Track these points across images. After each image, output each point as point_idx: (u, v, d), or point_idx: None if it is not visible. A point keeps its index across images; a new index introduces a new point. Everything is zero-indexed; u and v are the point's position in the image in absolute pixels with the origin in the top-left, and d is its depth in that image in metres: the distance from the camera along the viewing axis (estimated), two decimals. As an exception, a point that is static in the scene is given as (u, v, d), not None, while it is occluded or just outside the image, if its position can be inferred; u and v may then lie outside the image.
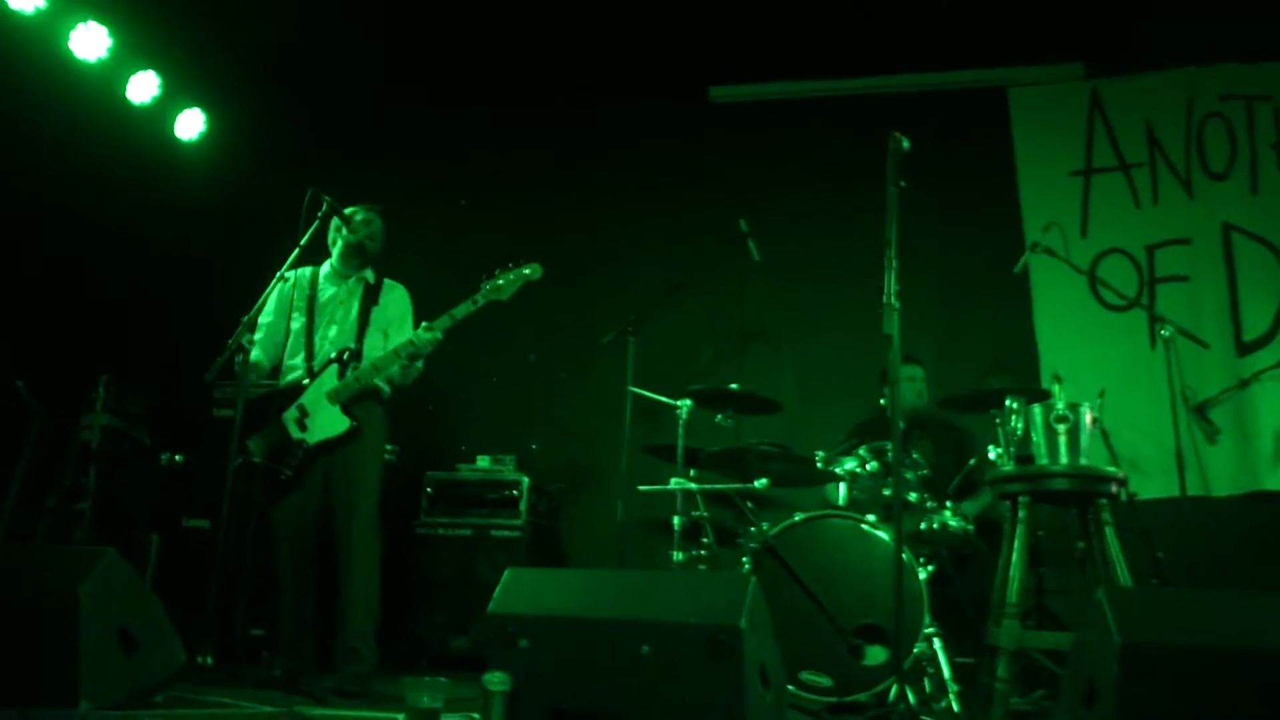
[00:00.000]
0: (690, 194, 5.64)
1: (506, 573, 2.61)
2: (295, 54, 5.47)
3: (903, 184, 2.92)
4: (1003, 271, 4.68)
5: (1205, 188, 5.25)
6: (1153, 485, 4.61)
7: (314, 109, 5.87)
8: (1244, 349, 5.04)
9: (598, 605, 2.44)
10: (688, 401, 4.18)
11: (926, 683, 3.49)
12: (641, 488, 4.21)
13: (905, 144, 2.98)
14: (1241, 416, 4.93)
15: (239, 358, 3.55)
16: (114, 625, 2.73)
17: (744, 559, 3.73)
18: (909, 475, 3.93)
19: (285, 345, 3.85)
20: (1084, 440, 3.20)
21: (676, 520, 4.07)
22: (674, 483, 4.10)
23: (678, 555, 4.00)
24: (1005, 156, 5.43)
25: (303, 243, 3.68)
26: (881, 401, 4.67)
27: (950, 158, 5.25)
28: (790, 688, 3.31)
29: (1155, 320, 4.54)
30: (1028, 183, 5.37)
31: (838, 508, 4.01)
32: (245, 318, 3.57)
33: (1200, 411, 4.89)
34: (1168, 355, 4.46)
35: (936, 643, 3.48)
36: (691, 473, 4.23)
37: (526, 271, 3.76)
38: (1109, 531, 3.16)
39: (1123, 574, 3.12)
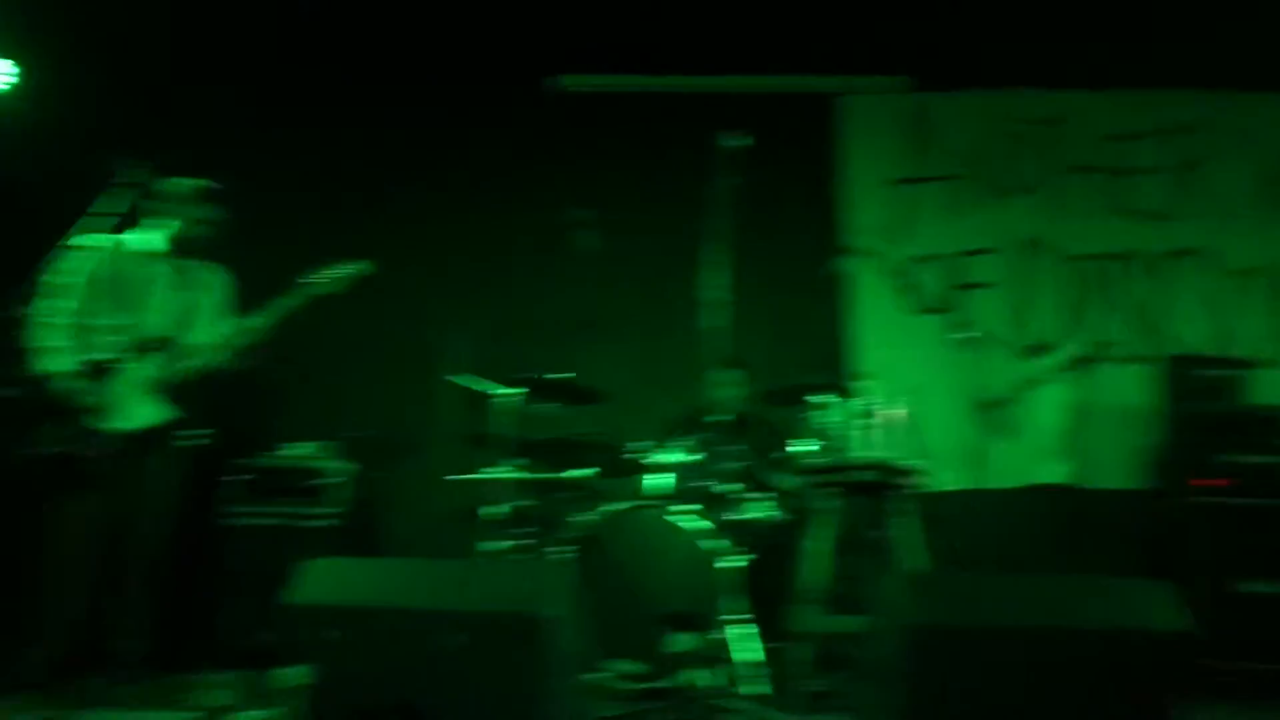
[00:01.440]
0: (527, 182, 5.62)
1: (308, 563, 2.55)
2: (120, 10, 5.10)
3: (733, 181, 3.00)
4: (824, 272, 4.90)
5: (1012, 201, 5.66)
6: (947, 478, 4.94)
7: (137, 69, 5.47)
8: (1033, 352, 5.47)
9: (402, 595, 2.42)
10: (517, 390, 4.18)
11: (734, 667, 3.63)
12: (464, 476, 4.18)
13: (739, 142, 3.05)
14: (1027, 414, 5.35)
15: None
16: None
17: (564, 548, 3.76)
18: (729, 467, 4.07)
19: (86, 327, 3.56)
20: (888, 435, 3.40)
21: (495, 509, 4.08)
22: (497, 471, 4.10)
23: (496, 545, 4.00)
24: (832, 159, 5.66)
25: (109, 212, 3.45)
26: (709, 394, 4.80)
27: (779, 160, 5.43)
28: (607, 675, 3.38)
29: (961, 323, 4.82)
30: (850, 188, 5.62)
31: (659, 498, 4.10)
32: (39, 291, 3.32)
33: (993, 410, 5.27)
34: (968, 357, 4.80)
35: (743, 628, 3.62)
36: (520, 462, 4.24)
37: (355, 268, 3.68)
38: (905, 521, 3.38)
39: (917, 560, 3.34)
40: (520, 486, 4.23)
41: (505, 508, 4.12)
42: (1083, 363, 5.20)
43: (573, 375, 4.26)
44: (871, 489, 3.50)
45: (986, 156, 5.70)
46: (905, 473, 3.41)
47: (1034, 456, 5.33)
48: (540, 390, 4.26)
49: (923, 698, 2.34)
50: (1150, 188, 5.66)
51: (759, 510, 4.03)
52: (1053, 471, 5.32)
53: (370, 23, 5.45)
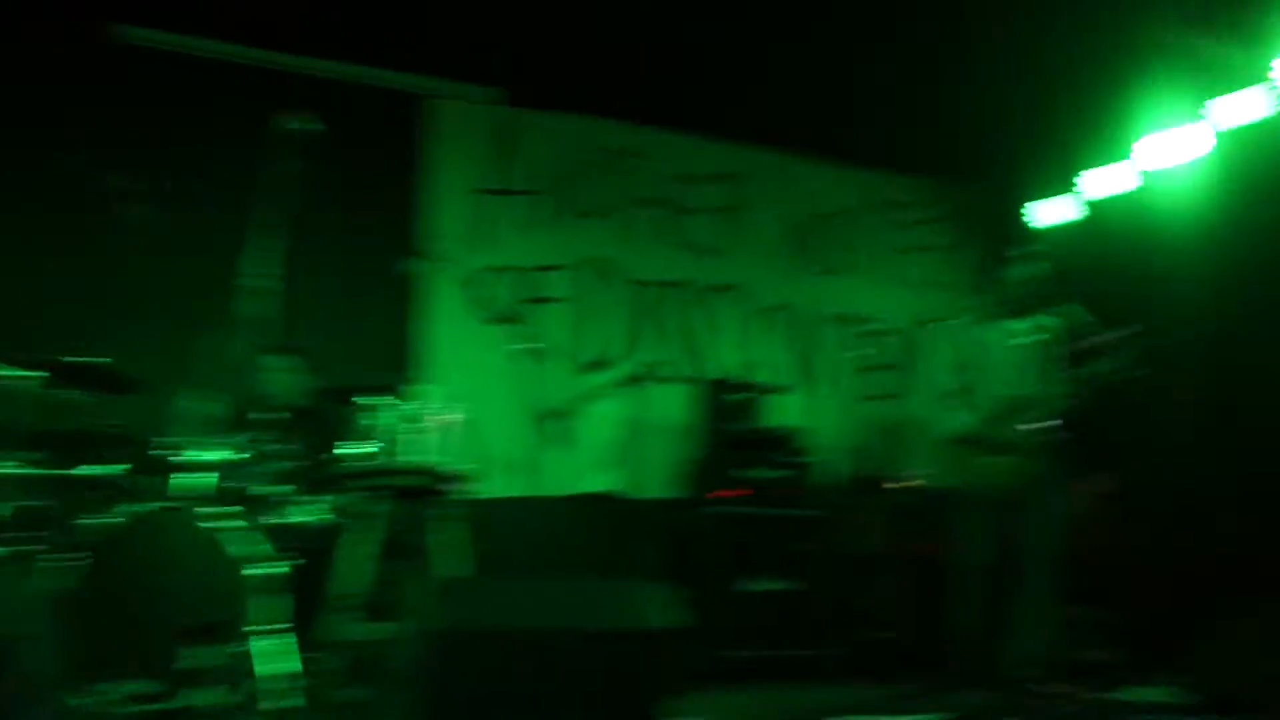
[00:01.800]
0: (69, 139, 4.94)
1: None
2: None
3: (295, 166, 2.86)
4: (395, 270, 4.85)
5: (583, 223, 6.00)
6: (498, 485, 5.12)
7: None
8: (591, 368, 5.85)
9: None
10: (34, 374, 3.65)
11: (257, 681, 3.44)
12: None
13: (307, 125, 2.91)
14: (580, 427, 5.71)
15: None
16: None
17: (73, 555, 3.35)
18: (276, 467, 3.87)
19: None
20: (435, 440, 3.44)
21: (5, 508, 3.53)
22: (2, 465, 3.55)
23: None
24: (414, 159, 5.62)
25: None
26: (260, 386, 4.54)
27: (359, 152, 5.33)
28: (108, 696, 3.06)
29: (527, 335, 5.01)
30: (431, 192, 5.63)
31: (192, 499, 3.80)
32: None
33: (549, 421, 5.56)
34: (531, 368, 5.01)
35: (275, 639, 3.45)
36: (33, 456, 3.70)
37: None
38: (444, 527, 3.43)
39: (454, 567, 3.41)
40: (29, 483, 3.70)
41: (7, 507, 3.58)
42: (636, 380, 5.63)
43: (108, 360, 3.81)
44: (417, 494, 3.52)
45: (567, 178, 6.00)
46: (452, 478, 3.47)
47: (587, 466, 5.69)
48: (63, 375, 3.76)
49: (442, 702, 2.39)
50: (702, 225, 6.31)
51: (305, 513, 3.88)
52: (603, 481, 5.71)
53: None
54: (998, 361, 4.39)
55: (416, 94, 5.68)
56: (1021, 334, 4.42)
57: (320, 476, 4.05)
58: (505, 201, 5.83)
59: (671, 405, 5.99)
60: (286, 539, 3.80)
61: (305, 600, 3.65)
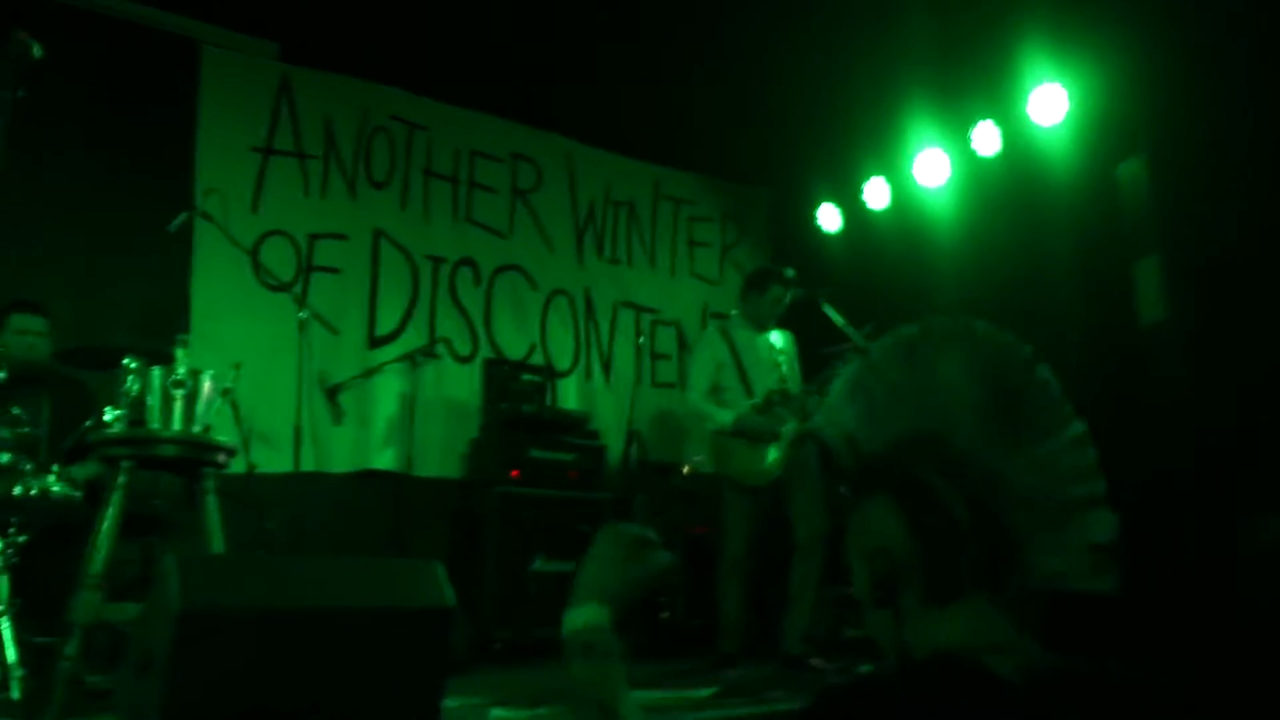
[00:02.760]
0: None
1: None
2: None
3: (21, 93, 2.56)
4: (165, 227, 4.47)
5: (366, 193, 5.75)
6: (277, 459, 4.83)
7: None
8: (375, 342, 5.64)
9: None
10: None
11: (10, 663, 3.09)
12: None
13: (36, 50, 2.61)
14: (364, 402, 5.50)
15: None
16: None
17: None
18: (4, 434, 3.47)
19: None
20: (200, 408, 3.19)
21: None
22: None
23: None
24: (189, 110, 5.22)
25: None
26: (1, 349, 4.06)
27: (127, 98, 4.90)
28: None
29: (304, 305, 4.76)
30: (205, 146, 5.22)
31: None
32: None
33: (332, 394, 5.30)
34: (310, 339, 4.74)
35: (3, 622, 3.11)
36: None
37: None
38: (210, 501, 3.19)
39: (218, 543, 3.17)
40: None
41: None
42: (419, 357, 5.47)
43: None
44: (175, 464, 3.24)
45: (351, 144, 5.73)
46: (213, 449, 3.21)
47: (365, 443, 5.48)
48: None
49: (186, 685, 2.20)
50: (491, 204, 6.21)
51: (46, 484, 3.51)
52: (385, 458, 5.52)
53: None
54: (751, 362, 4.65)
55: (193, 39, 5.25)
56: (763, 344, 4.71)
57: (69, 446, 3.68)
58: (285, 163, 5.50)
59: (455, 384, 5.88)
60: (32, 511, 3.45)
61: (50, 580, 3.32)
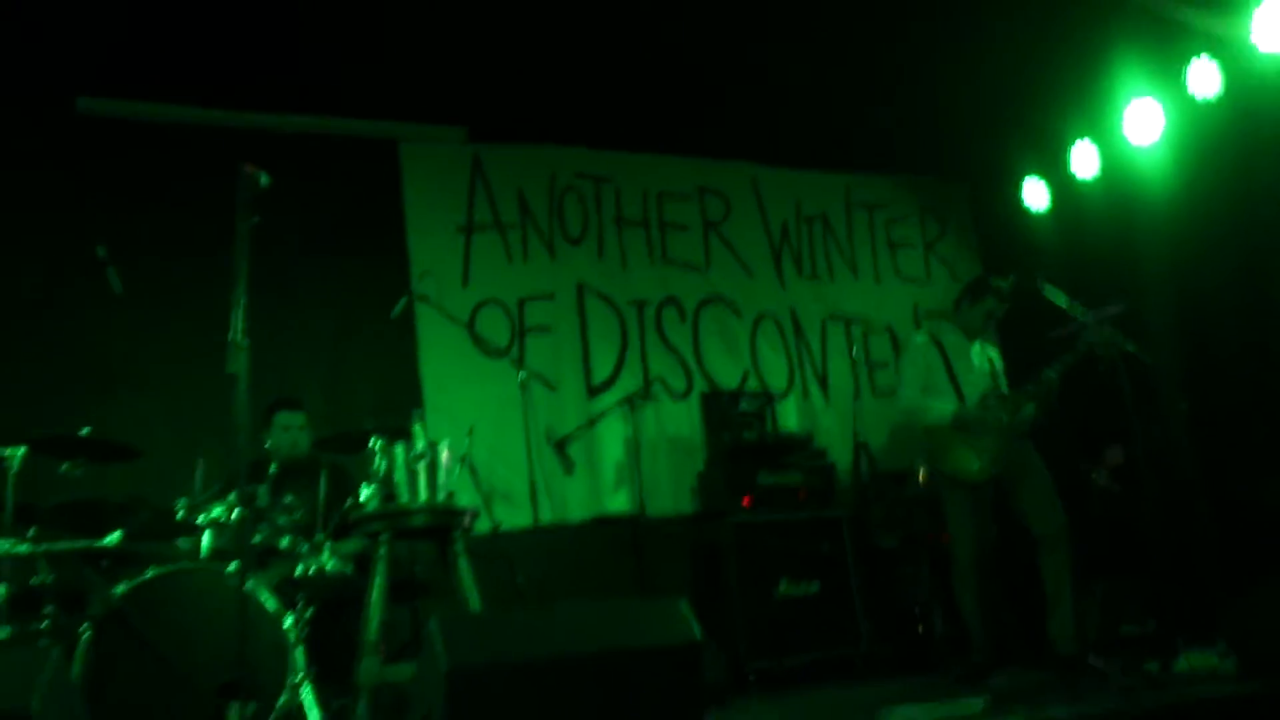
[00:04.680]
0: (37, 213, 4.94)
1: None
2: None
3: (256, 219, 2.84)
4: (389, 315, 4.83)
5: (564, 250, 5.99)
6: (517, 515, 5.06)
7: None
8: (593, 391, 5.83)
9: None
10: (19, 449, 3.60)
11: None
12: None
13: (264, 179, 2.91)
14: (591, 450, 5.67)
15: None
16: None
17: (83, 627, 3.29)
18: (281, 520, 3.82)
19: None
20: (441, 476, 3.39)
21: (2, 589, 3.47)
22: (-2, 545, 3.49)
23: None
24: (395, 203, 5.64)
25: None
26: (266, 445, 4.50)
27: (341, 204, 5.35)
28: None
29: (522, 365, 4.96)
30: (415, 233, 5.62)
31: (205, 558, 3.75)
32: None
33: (560, 448, 5.50)
34: (531, 396, 4.96)
35: (305, 690, 3.40)
36: (31, 532, 3.64)
37: None
38: (462, 562, 3.38)
39: (474, 601, 3.35)
40: (35, 560, 3.64)
41: (4, 587, 3.51)
42: (637, 399, 5.59)
43: (86, 429, 3.74)
44: (425, 532, 3.47)
45: (539, 207, 5.98)
46: (457, 513, 3.41)
47: (598, 490, 5.64)
48: (65, 447, 3.70)
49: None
50: (684, 241, 6.30)
51: (321, 562, 3.83)
52: (617, 502, 5.67)
53: None
54: (963, 369, 4.46)
55: (389, 139, 5.68)
56: (974, 352, 4.51)
57: (334, 525, 4.01)
58: (487, 236, 5.82)
59: (675, 421, 5.97)
60: (306, 589, 3.77)
61: (334, 648, 3.62)
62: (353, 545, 4.31)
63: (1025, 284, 4.46)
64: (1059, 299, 4.36)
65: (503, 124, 5.91)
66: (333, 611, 3.92)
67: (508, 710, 2.34)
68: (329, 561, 3.93)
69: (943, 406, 4.33)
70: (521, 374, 4.53)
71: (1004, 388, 4.54)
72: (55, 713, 2.04)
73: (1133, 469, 5.40)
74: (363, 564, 4.18)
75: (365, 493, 3.60)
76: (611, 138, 6.19)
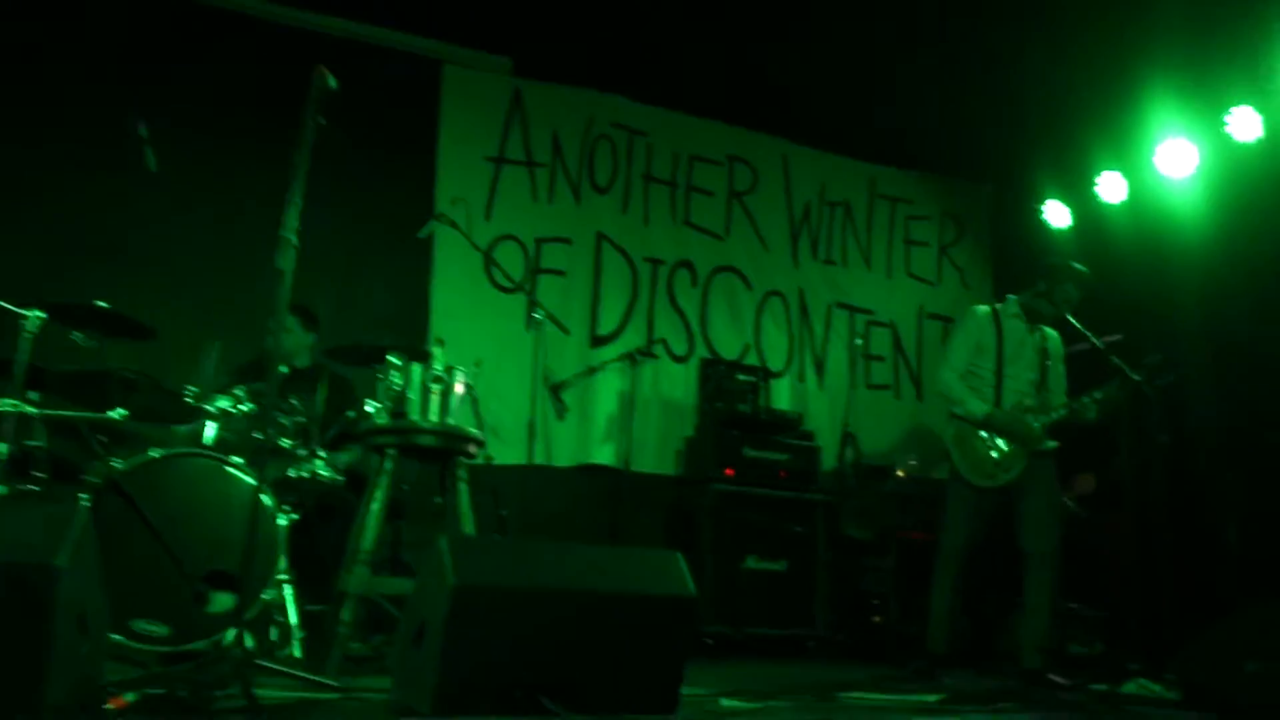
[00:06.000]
0: (84, 85, 4.89)
1: None
2: None
3: (322, 121, 2.84)
4: (409, 233, 4.81)
5: (589, 198, 6.00)
6: (508, 452, 5.10)
7: None
8: (596, 342, 5.87)
9: None
10: (38, 313, 3.59)
11: (273, 630, 3.46)
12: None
13: (331, 81, 2.90)
14: (585, 399, 5.73)
15: None
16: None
17: (82, 495, 3.33)
18: (284, 421, 3.85)
19: None
20: (454, 403, 3.43)
21: (2, 448, 3.48)
22: (4, 403, 3.50)
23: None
24: (430, 124, 5.61)
25: None
26: (274, 342, 4.50)
27: (375, 116, 5.32)
28: (119, 637, 3.05)
29: (532, 304, 4.95)
30: (446, 156, 5.62)
31: (202, 447, 3.77)
32: None
33: (555, 391, 5.53)
34: (536, 338, 4.95)
35: (287, 590, 3.46)
36: (34, 396, 3.65)
37: None
38: (463, 488, 3.43)
39: (469, 528, 3.41)
40: (32, 423, 3.64)
41: (5, 447, 3.52)
42: (638, 356, 5.63)
43: (104, 304, 3.73)
44: (432, 454, 3.51)
45: (571, 151, 5.98)
46: (465, 440, 3.45)
47: (587, 438, 5.71)
48: (81, 316, 3.68)
49: (458, 654, 2.38)
50: (708, 208, 6.32)
51: (320, 469, 3.88)
52: (603, 453, 5.74)
53: None
54: (1013, 356, 4.40)
55: (433, 59, 5.65)
56: (1034, 339, 4.42)
57: (332, 434, 4.04)
58: (515, 172, 5.82)
59: (672, 383, 6.03)
60: (298, 492, 3.81)
61: (320, 553, 3.67)
62: (347, 456, 4.35)
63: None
64: (1078, 325, 4.37)
65: (547, 62, 5.89)
66: (315, 519, 3.97)
67: (505, 632, 2.40)
68: (322, 468, 3.98)
69: (977, 405, 4.28)
70: (538, 313, 4.54)
71: (1060, 387, 4.44)
72: (79, 572, 2.08)
73: (1103, 497, 5.52)
74: (353, 478, 4.24)
75: (371, 407, 3.63)
76: (651, 93, 6.18)
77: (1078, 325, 4.34)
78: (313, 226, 5.13)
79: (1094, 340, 4.31)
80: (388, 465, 3.32)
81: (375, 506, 3.28)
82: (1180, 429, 5.25)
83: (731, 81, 6.13)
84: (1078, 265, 4.40)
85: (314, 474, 3.93)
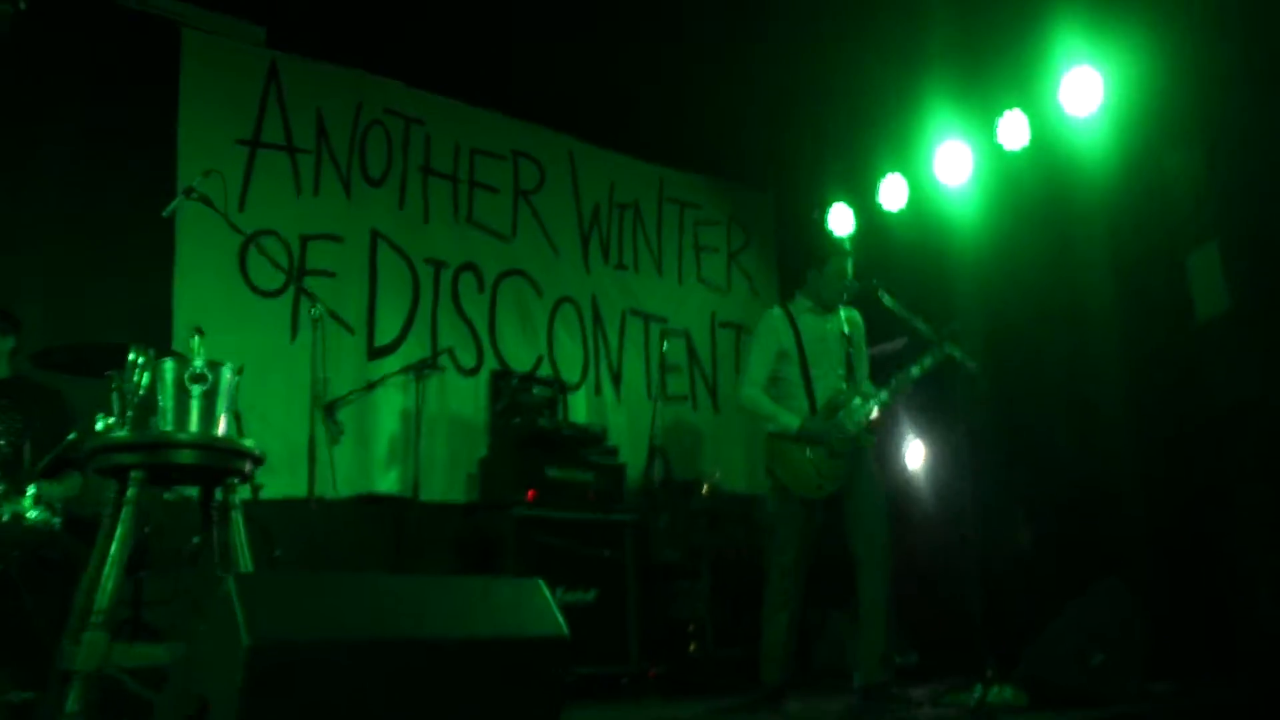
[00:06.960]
0: None
1: None
2: None
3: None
4: (149, 220, 3.93)
5: (361, 191, 5.28)
6: (278, 483, 4.24)
7: None
8: (374, 353, 5.15)
9: None
10: None
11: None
12: None
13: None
14: (364, 419, 4.98)
15: None
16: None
17: None
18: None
19: None
20: (222, 408, 2.68)
21: None
22: None
23: None
24: (172, 99, 4.71)
25: None
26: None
27: (113, 83, 4.41)
28: None
29: (307, 296, 4.19)
30: (188, 137, 4.71)
31: None
32: None
33: (329, 411, 4.75)
34: (313, 346, 4.15)
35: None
36: None
37: None
38: (236, 517, 2.67)
39: (246, 568, 2.65)
40: None
41: None
42: (421, 369, 4.97)
43: None
44: (195, 473, 2.71)
45: (340, 137, 5.24)
46: (240, 454, 2.69)
47: (367, 464, 4.96)
48: None
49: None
50: (494, 205, 5.75)
51: (28, 509, 2.98)
52: (387, 480, 5.02)
53: None
54: (817, 355, 4.16)
55: (171, 19, 4.74)
56: (832, 330, 4.22)
57: (49, 461, 3.14)
58: (274, 157, 5.01)
59: (460, 398, 5.40)
60: (2, 543, 2.90)
61: (34, 622, 2.77)
62: (64, 488, 3.39)
63: (862, 289, 4.25)
64: (897, 309, 4.20)
65: (308, 35, 5.12)
66: (22, 576, 3.04)
67: (325, 702, 1.75)
68: (31, 509, 3.08)
69: (789, 418, 3.99)
70: (316, 309, 3.79)
71: (863, 366, 4.29)
72: None
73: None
74: (74, 520, 3.32)
75: (102, 423, 2.78)
76: (425, 78, 5.55)
77: (878, 290, 4.16)
78: (21, 208, 4.18)
79: (891, 306, 4.15)
80: (131, 492, 2.50)
81: (115, 549, 2.46)
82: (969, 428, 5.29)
83: (515, 72, 5.63)
84: (833, 236, 4.29)
85: (18, 517, 3.02)
